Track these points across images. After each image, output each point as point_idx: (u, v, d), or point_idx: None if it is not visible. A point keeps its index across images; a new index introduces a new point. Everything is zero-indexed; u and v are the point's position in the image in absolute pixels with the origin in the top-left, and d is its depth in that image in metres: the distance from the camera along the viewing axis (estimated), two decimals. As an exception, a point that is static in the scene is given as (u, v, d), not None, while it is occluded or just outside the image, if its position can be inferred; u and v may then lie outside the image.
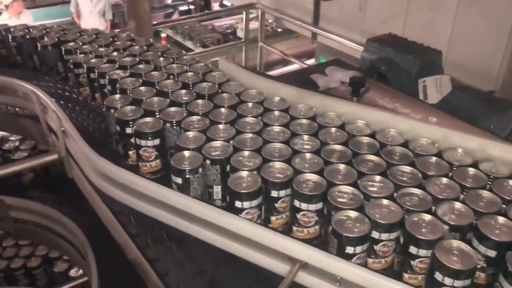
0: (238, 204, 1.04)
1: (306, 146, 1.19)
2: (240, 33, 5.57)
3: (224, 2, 8.07)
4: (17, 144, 2.34)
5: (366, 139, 1.22)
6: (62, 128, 1.42)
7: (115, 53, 1.71)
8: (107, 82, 1.52)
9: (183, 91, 1.43)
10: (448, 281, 0.83)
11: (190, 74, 1.56)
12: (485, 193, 1.01)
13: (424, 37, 2.73)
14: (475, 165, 1.13)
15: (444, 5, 3.11)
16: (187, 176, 1.10)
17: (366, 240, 0.92)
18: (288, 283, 0.94)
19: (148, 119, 1.26)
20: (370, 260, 0.96)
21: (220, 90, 1.48)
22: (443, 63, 2.49)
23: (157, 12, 8.01)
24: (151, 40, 1.88)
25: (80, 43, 1.81)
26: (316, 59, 4.91)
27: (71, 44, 1.81)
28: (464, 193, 1.02)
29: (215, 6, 8.53)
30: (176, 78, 1.53)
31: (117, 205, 1.27)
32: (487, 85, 2.82)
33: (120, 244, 1.28)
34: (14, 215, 2.00)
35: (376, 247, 0.94)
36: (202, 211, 1.06)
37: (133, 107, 1.32)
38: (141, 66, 1.60)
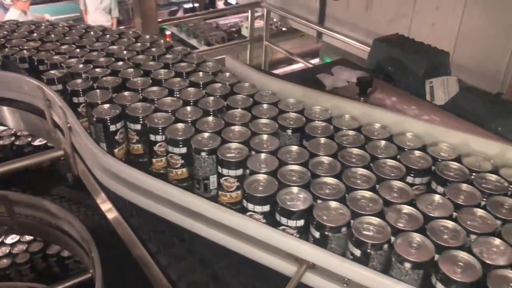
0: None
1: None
2: (245, 32, 5.56)
3: (229, 1, 8.06)
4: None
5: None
6: (68, 125, 1.42)
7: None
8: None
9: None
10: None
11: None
12: (356, 151, 1.17)
13: (431, 37, 2.71)
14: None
15: (451, 5, 3.09)
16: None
17: (120, 119, 1.29)
18: (294, 284, 0.93)
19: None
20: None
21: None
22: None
23: (161, 10, 8.01)
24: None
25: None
26: (320, 58, 4.90)
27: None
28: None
29: (220, 4, 8.52)
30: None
31: (122, 202, 1.26)
32: (494, 87, 2.80)
33: (124, 241, 1.28)
34: (18, 211, 2.00)
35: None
36: (209, 210, 1.06)
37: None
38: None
